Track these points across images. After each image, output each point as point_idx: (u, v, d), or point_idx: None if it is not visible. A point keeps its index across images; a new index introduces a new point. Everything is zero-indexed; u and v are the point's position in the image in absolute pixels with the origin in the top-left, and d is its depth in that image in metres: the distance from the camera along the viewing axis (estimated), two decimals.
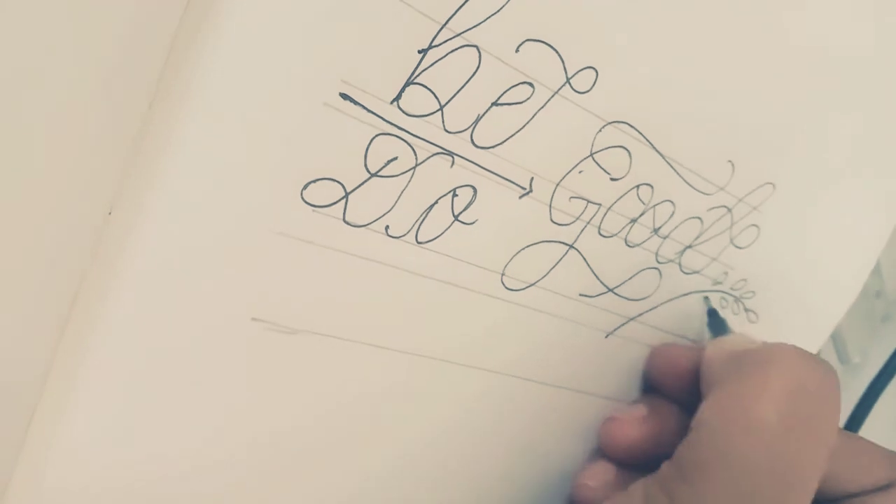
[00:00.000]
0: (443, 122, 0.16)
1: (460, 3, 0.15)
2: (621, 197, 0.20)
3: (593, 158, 0.19)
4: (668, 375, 0.22)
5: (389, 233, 0.17)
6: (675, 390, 0.22)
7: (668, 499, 0.17)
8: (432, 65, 0.15)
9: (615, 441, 0.21)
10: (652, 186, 0.20)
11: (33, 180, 0.13)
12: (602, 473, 0.21)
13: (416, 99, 0.15)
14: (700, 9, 0.18)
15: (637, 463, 0.20)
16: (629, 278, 0.22)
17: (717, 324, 0.23)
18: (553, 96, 0.17)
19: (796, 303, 0.26)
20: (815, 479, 0.17)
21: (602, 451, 0.22)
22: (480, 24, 0.15)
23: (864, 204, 0.26)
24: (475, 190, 0.17)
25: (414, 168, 0.16)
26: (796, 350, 0.19)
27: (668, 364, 0.23)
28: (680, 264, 0.23)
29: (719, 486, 0.17)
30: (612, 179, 0.19)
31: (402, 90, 0.15)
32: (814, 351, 0.29)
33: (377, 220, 0.16)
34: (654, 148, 0.19)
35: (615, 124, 0.18)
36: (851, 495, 0.20)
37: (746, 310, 0.25)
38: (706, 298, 0.24)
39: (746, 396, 0.18)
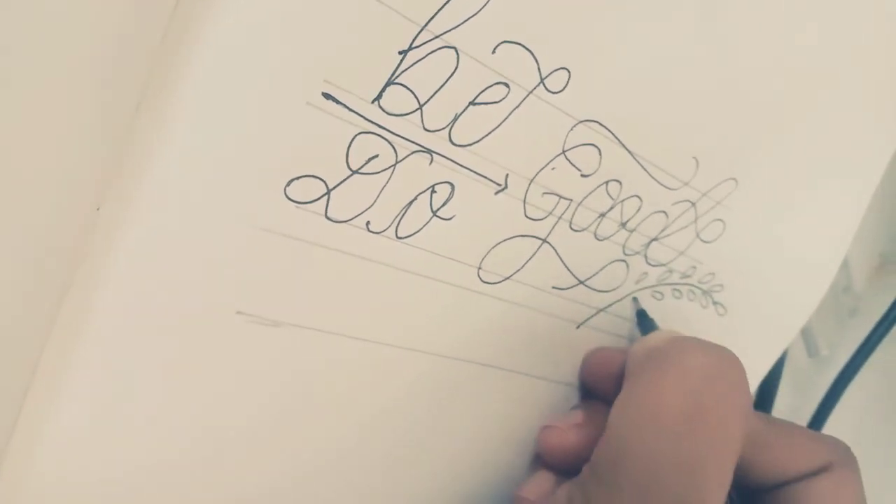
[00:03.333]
0: (422, 120, 0.17)
1: (440, 6, 0.15)
2: (591, 192, 0.21)
3: (565, 156, 0.19)
4: (601, 379, 0.23)
5: (370, 228, 0.17)
6: (610, 393, 0.21)
7: (586, 501, 0.18)
8: (412, 65, 0.16)
9: (552, 449, 0.21)
10: (620, 182, 0.21)
11: (22, 177, 0.14)
12: (541, 484, 0.21)
13: (396, 98, 0.16)
14: (668, 13, 0.19)
15: (577, 469, 0.19)
16: (599, 270, 0.22)
17: (645, 324, 0.23)
18: (528, 96, 0.18)
19: (765, 297, 0.27)
20: (727, 465, 0.17)
21: (542, 460, 0.22)
22: (459, 26, 0.16)
23: (831, 200, 0.27)
24: (453, 186, 0.18)
25: (394, 165, 0.17)
26: (695, 342, 0.19)
27: (600, 367, 0.23)
28: (646, 256, 0.23)
29: (627, 484, 0.17)
30: (583, 176, 0.20)
31: (383, 90, 0.16)
32: (785, 344, 0.29)
33: (358, 216, 0.17)
34: (623, 145, 0.20)
35: (586, 123, 0.19)
36: (790, 481, 0.20)
37: (715, 303, 0.26)
38: (635, 299, 0.24)
39: (644, 393, 0.18)
